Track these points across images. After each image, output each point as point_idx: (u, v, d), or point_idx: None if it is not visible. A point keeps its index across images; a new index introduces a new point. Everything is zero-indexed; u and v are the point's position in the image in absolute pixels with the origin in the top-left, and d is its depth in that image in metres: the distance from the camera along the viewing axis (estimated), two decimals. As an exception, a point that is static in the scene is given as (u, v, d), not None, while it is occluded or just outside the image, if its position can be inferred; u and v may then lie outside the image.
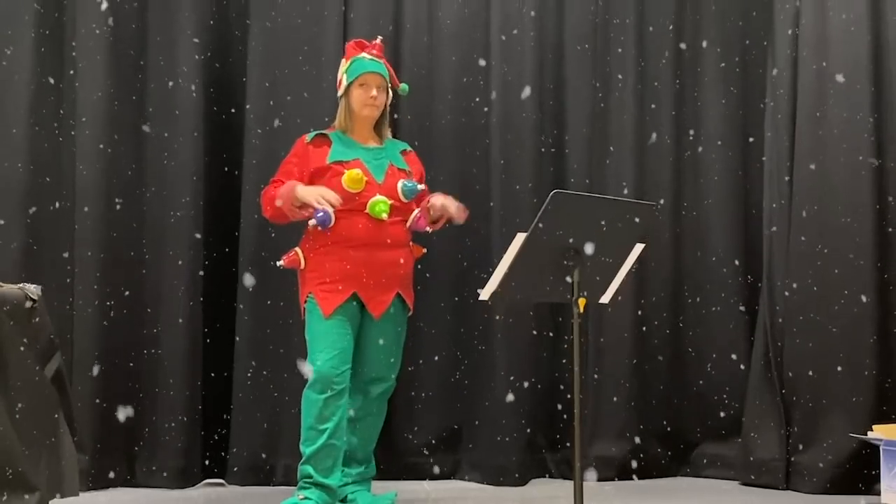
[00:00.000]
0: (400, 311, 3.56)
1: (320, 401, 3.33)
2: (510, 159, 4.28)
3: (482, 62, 4.35)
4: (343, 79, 3.55)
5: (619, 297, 3.16)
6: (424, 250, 3.73)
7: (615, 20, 4.44)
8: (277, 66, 4.21)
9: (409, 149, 3.71)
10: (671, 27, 4.47)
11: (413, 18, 4.37)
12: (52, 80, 4.04)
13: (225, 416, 4.11)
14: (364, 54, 3.54)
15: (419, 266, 3.90)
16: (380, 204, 3.42)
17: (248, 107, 4.18)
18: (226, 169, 4.24)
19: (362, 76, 3.50)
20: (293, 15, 4.23)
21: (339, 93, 3.58)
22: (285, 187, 3.40)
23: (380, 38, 3.63)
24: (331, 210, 3.35)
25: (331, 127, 3.60)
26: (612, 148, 4.39)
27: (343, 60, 3.59)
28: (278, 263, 3.54)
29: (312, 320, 3.44)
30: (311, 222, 3.40)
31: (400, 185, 3.49)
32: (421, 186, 3.56)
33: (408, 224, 3.53)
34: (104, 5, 4.02)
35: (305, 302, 3.48)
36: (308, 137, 3.55)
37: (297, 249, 3.51)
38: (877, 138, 3.93)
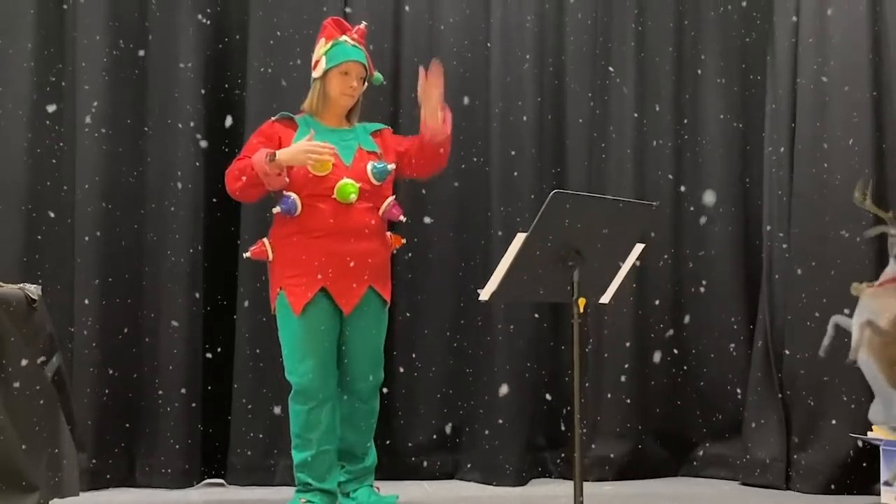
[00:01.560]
0: (376, 305, 3.36)
1: (304, 411, 3.25)
2: (510, 158, 4.28)
3: (482, 60, 4.35)
4: (322, 61, 3.33)
5: (620, 298, 3.15)
6: (403, 240, 3.57)
7: (615, 31, 4.42)
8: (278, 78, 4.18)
9: (380, 128, 3.50)
10: (671, 50, 4.46)
11: (413, 20, 4.36)
12: (52, 79, 4.06)
13: (225, 416, 4.11)
14: (346, 38, 3.35)
15: (395, 253, 3.76)
16: (348, 186, 3.23)
17: (247, 112, 4.17)
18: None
19: (345, 64, 3.32)
20: (294, 38, 4.17)
21: (315, 74, 3.38)
22: (257, 154, 3.17)
23: (364, 23, 3.48)
24: (295, 196, 3.23)
25: (300, 111, 3.44)
26: (610, 154, 4.39)
27: (321, 39, 3.39)
28: (245, 255, 3.45)
29: (285, 319, 3.28)
30: (276, 209, 3.29)
31: (369, 166, 3.30)
32: (391, 167, 3.36)
33: (380, 211, 3.35)
34: (105, 32, 4.04)
35: (276, 298, 3.30)
36: (273, 118, 3.39)
37: (265, 240, 3.36)
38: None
